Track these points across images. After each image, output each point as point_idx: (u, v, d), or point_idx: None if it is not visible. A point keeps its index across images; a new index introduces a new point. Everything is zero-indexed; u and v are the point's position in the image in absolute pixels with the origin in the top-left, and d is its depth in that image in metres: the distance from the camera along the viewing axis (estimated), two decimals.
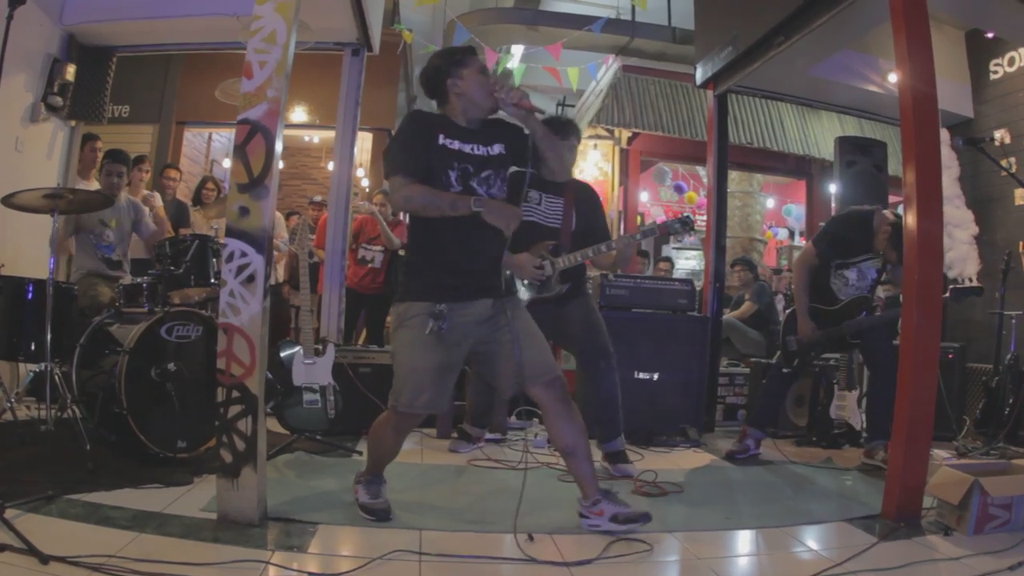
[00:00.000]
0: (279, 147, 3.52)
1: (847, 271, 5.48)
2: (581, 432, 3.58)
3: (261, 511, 3.39)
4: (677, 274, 11.22)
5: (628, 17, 10.89)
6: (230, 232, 3.45)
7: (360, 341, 7.94)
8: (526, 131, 3.56)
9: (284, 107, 3.58)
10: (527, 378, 3.51)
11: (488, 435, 5.66)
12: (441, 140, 3.45)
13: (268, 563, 2.88)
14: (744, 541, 3.69)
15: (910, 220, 3.98)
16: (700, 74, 7.18)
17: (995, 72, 7.98)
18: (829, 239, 5.46)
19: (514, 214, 3.41)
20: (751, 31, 6.19)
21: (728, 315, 8.53)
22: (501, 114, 3.64)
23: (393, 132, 3.70)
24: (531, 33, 10.56)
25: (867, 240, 5.36)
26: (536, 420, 6.46)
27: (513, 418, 6.34)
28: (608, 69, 11.10)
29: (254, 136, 3.49)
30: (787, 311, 5.91)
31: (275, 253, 8.23)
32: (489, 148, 3.55)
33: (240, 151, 3.50)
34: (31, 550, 2.69)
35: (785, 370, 5.61)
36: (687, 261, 13.55)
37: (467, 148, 3.49)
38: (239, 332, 3.38)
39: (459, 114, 3.54)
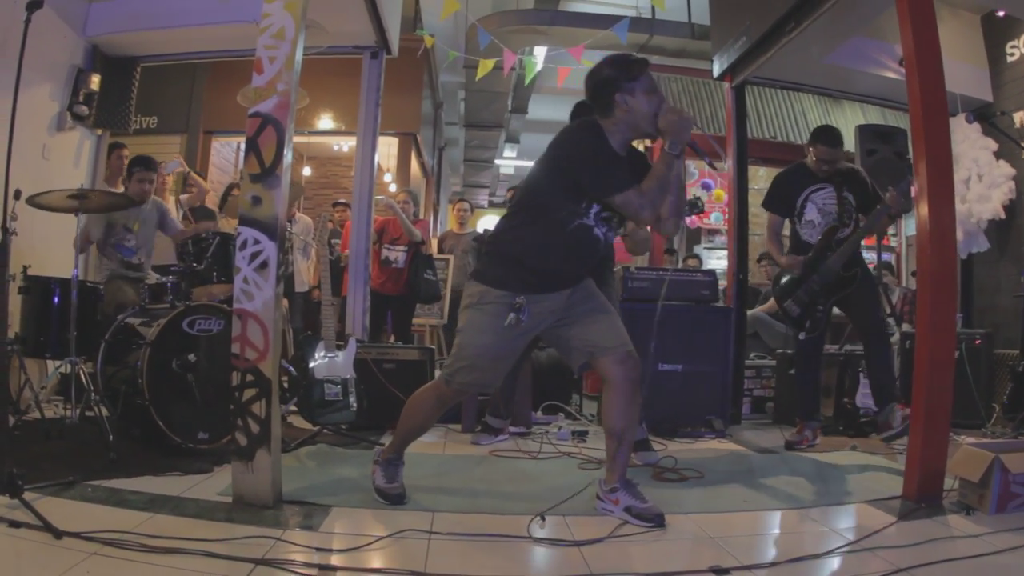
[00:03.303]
0: (289, 138, 3.59)
1: (806, 213, 5.50)
2: (634, 420, 3.57)
3: (276, 493, 3.45)
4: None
5: (647, 15, 10.90)
6: (243, 221, 3.52)
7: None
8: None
9: (295, 100, 3.65)
10: (599, 350, 3.51)
11: (512, 428, 5.67)
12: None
13: (278, 540, 2.93)
14: (759, 521, 3.69)
15: (923, 211, 3.98)
16: (717, 67, 7.18)
17: (1012, 55, 7.85)
18: (771, 191, 5.72)
19: (689, 124, 3.36)
20: (763, 20, 6.19)
21: (756, 309, 8.51)
22: None
23: (571, 146, 3.47)
24: (552, 35, 10.60)
25: (802, 170, 5.58)
26: (561, 415, 6.47)
27: (539, 413, 6.35)
28: None
29: (265, 128, 3.57)
30: (779, 281, 5.83)
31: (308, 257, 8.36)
32: None
33: (252, 143, 3.57)
34: (46, 526, 2.76)
35: (801, 336, 5.54)
36: (718, 261, 13.47)
37: None
38: (253, 317, 3.45)
39: (616, 132, 3.43)
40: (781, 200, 5.62)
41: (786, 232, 5.70)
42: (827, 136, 5.45)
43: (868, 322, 5.34)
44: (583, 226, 3.44)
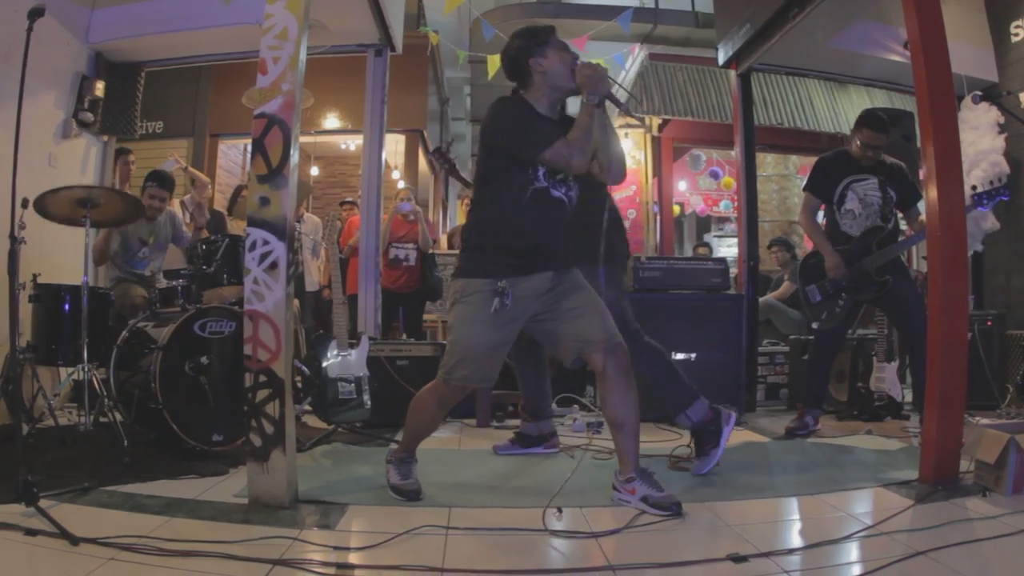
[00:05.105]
0: (295, 138, 3.59)
1: (847, 202, 5.38)
2: (633, 406, 3.54)
3: (292, 493, 3.45)
4: None
5: (651, 5, 10.87)
6: (252, 222, 3.52)
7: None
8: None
9: (300, 100, 3.64)
10: (588, 345, 3.52)
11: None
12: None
13: (295, 539, 2.92)
14: (776, 508, 3.68)
15: (932, 194, 3.96)
16: (722, 55, 7.20)
17: (1016, 34, 7.77)
18: (813, 174, 5.55)
19: (603, 74, 3.41)
20: (766, 6, 6.21)
21: (768, 296, 8.49)
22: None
23: (492, 120, 3.55)
24: (556, 28, 10.55)
25: (845, 158, 5.45)
26: (576, 407, 6.46)
27: (554, 405, 6.33)
28: (635, 58, 11.07)
29: (271, 129, 3.56)
30: (807, 262, 5.75)
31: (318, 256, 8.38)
32: None
33: (259, 144, 3.57)
34: (62, 533, 2.76)
35: (814, 326, 5.51)
36: (729, 249, 13.47)
37: None
38: (264, 318, 3.44)
39: (541, 97, 3.52)
40: (821, 184, 5.50)
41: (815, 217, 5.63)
42: (873, 120, 5.33)
43: (908, 329, 5.27)
44: (538, 191, 3.45)
